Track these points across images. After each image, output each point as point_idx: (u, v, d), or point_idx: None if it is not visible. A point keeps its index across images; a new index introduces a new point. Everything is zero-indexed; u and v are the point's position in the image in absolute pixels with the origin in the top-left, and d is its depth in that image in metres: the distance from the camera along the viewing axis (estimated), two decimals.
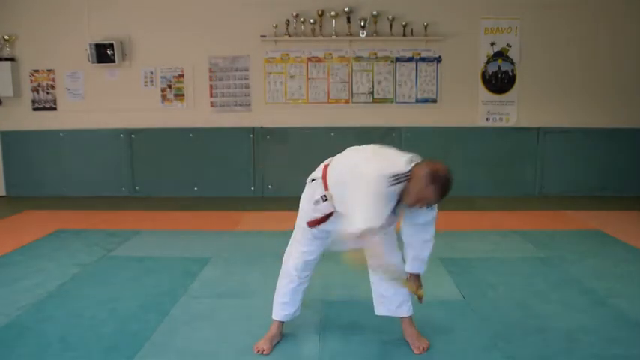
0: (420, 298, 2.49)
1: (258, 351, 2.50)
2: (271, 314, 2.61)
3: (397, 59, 6.18)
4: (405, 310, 2.52)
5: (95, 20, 6.26)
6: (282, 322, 2.60)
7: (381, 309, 2.55)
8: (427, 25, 6.07)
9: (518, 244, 4.33)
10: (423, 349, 2.51)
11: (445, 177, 2.11)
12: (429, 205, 2.21)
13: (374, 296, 2.56)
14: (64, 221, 5.16)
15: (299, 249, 2.49)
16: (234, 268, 3.76)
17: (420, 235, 2.38)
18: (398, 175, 2.10)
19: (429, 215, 2.32)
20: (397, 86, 6.28)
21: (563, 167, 6.37)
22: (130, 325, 2.82)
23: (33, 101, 6.50)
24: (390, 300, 2.50)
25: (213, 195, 6.44)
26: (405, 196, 2.15)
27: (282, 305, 2.57)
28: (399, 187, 2.11)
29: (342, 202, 2.24)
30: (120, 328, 2.79)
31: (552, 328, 2.75)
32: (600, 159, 6.34)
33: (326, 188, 2.31)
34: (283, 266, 2.58)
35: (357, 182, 2.11)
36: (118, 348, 2.56)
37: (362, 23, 6.07)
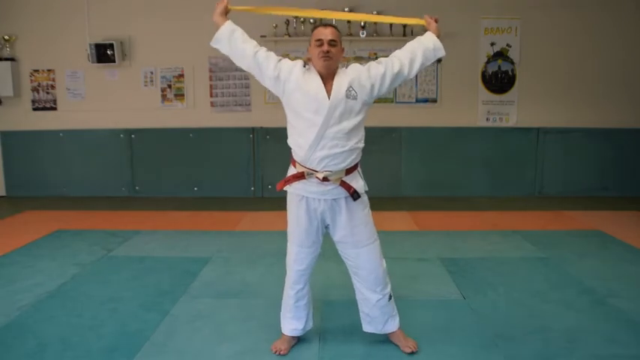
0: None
1: (276, 351, 2.50)
2: (272, 316, 2.61)
3: None
4: (391, 327, 2.52)
5: (95, 20, 6.26)
6: (292, 337, 2.57)
7: (367, 327, 2.55)
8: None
9: (518, 244, 4.33)
10: (412, 346, 2.50)
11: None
12: (323, 42, 2.26)
13: (360, 314, 2.55)
14: (64, 221, 5.16)
15: (289, 259, 2.50)
16: (234, 268, 3.76)
17: (404, 70, 2.38)
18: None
19: (379, 70, 2.35)
20: (397, 86, 6.28)
21: (563, 167, 6.37)
22: (130, 325, 2.82)
23: (33, 101, 6.50)
24: (376, 320, 2.50)
25: (213, 195, 6.44)
26: (317, 67, 2.31)
27: (289, 320, 2.56)
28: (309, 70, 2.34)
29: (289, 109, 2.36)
30: (120, 328, 2.79)
31: (552, 328, 2.75)
32: (600, 159, 6.34)
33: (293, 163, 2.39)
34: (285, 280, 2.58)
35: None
36: (118, 348, 2.56)
37: (362, 23, 6.08)
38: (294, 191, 2.39)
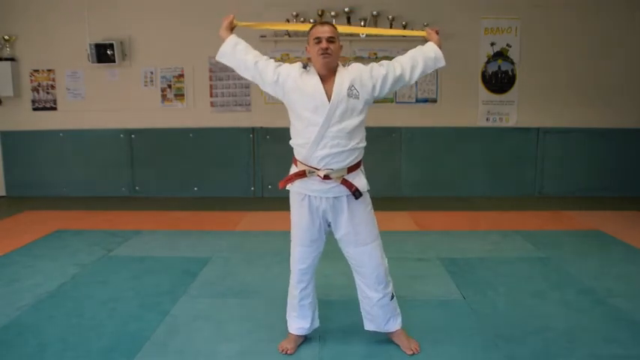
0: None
1: (283, 350, 2.51)
2: (272, 315, 2.61)
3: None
4: (392, 326, 2.52)
5: (95, 20, 6.26)
6: (299, 336, 2.58)
7: (369, 325, 2.56)
8: (427, 25, 6.05)
9: (518, 244, 4.33)
10: (414, 348, 2.50)
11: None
12: (322, 39, 2.27)
13: (362, 313, 2.56)
14: (64, 221, 5.16)
15: (293, 257, 2.51)
16: (234, 268, 3.76)
17: (406, 75, 2.41)
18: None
19: (381, 71, 2.37)
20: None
21: (563, 167, 6.37)
22: (130, 325, 2.82)
23: (33, 101, 6.50)
24: (378, 319, 2.51)
25: (213, 195, 6.44)
26: (317, 66, 2.32)
27: (294, 319, 2.57)
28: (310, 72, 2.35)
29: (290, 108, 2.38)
30: (120, 328, 2.79)
31: (552, 328, 2.75)
32: (600, 159, 6.34)
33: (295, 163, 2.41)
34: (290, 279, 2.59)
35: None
36: (118, 348, 2.56)
37: (362, 23, 6.07)
38: (296, 190, 2.40)
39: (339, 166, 2.29)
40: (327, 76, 2.30)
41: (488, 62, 6.31)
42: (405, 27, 6.09)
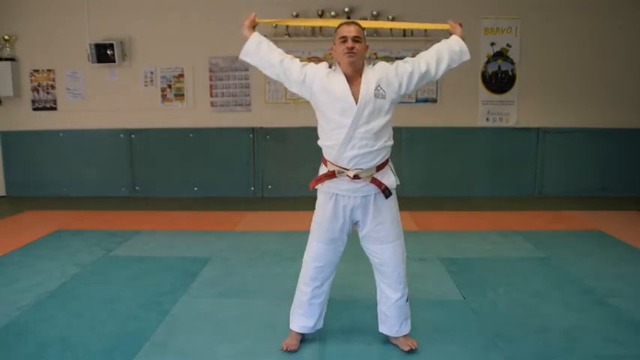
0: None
1: (287, 347, 2.51)
2: (272, 316, 2.61)
3: (397, 59, 6.16)
4: (405, 329, 2.53)
5: (95, 20, 6.26)
6: (299, 334, 2.58)
7: (383, 328, 2.56)
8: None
9: (518, 244, 4.32)
10: (412, 344, 2.50)
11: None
12: (347, 39, 2.27)
13: (378, 313, 2.56)
14: (64, 221, 5.16)
15: (307, 255, 2.50)
16: (234, 268, 3.76)
17: (431, 70, 2.42)
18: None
19: (406, 68, 2.38)
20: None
21: (563, 167, 6.37)
22: (130, 325, 2.82)
23: (33, 101, 6.50)
24: (392, 320, 2.50)
25: (213, 195, 6.44)
26: (342, 65, 2.32)
27: (299, 316, 2.56)
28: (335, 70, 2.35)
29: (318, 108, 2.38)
30: (120, 328, 2.79)
31: (552, 328, 2.75)
32: (600, 159, 6.34)
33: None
34: (300, 275, 2.58)
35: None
36: (118, 348, 2.56)
37: None
38: (325, 190, 2.40)
39: (368, 166, 2.30)
40: (353, 77, 2.30)
41: (488, 62, 6.31)
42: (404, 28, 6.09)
